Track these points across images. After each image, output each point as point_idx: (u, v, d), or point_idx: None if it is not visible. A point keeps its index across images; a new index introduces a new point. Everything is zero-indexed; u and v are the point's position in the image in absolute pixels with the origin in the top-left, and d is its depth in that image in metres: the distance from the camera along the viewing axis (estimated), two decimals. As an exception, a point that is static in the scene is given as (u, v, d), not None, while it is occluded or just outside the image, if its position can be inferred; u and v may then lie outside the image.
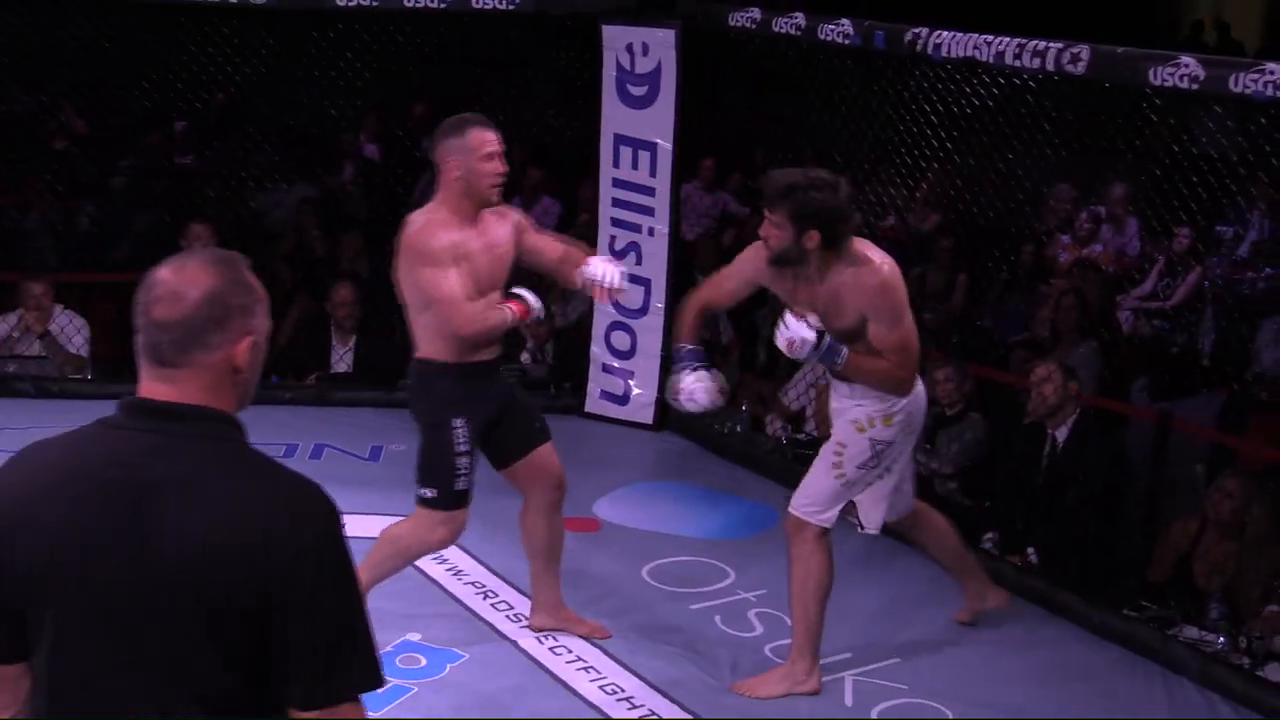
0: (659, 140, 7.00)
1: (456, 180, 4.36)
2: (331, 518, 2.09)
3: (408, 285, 4.39)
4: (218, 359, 2.10)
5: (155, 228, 9.08)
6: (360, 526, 5.68)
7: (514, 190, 10.09)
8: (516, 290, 4.51)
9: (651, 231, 7.12)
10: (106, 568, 2.04)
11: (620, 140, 7.11)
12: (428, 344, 4.44)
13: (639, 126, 7.04)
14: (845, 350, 4.27)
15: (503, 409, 4.60)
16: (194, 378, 2.10)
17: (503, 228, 4.52)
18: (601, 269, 4.53)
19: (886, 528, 4.73)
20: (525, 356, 7.69)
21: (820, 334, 4.25)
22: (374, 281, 8.56)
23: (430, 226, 4.35)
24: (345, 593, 2.08)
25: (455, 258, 4.33)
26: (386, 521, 5.68)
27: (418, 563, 5.39)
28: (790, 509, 4.47)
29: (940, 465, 6.50)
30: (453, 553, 5.49)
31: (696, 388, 4.38)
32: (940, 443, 6.58)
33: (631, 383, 7.28)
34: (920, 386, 4.47)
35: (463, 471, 4.44)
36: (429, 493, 4.48)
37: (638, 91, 7.01)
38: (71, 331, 7.57)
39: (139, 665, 2.05)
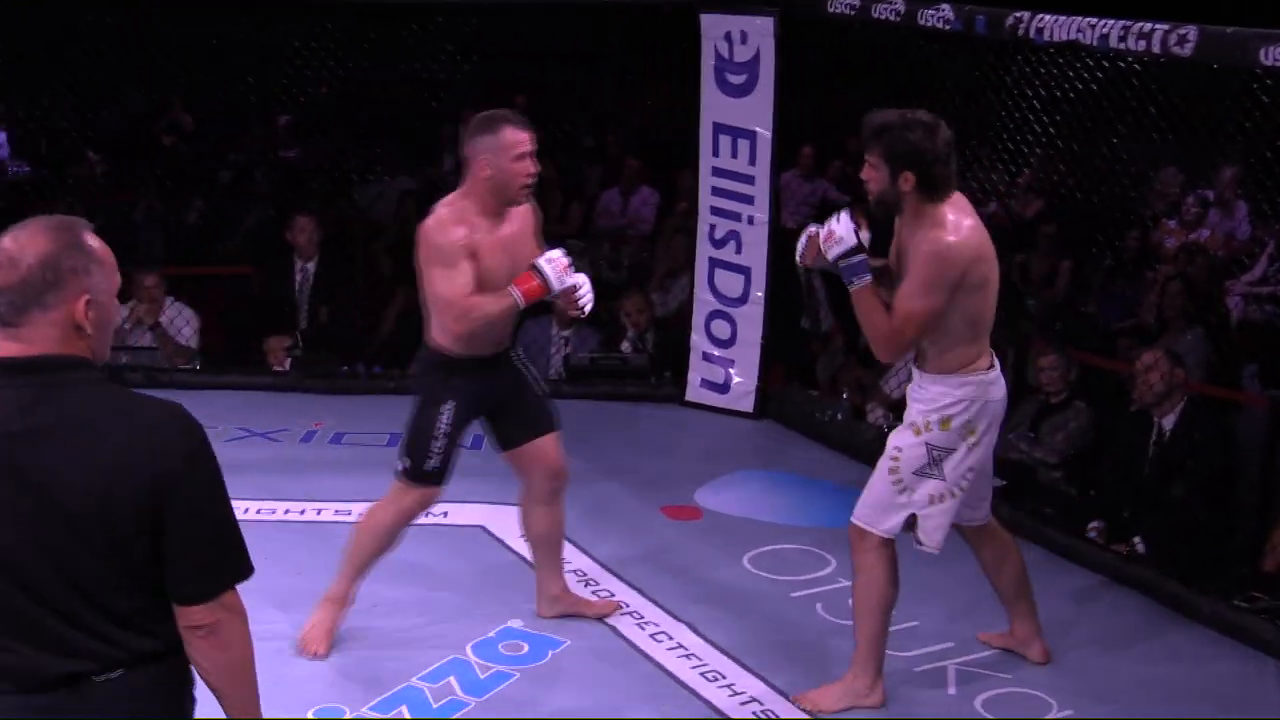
0: (758, 128, 6.98)
1: (486, 179, 4.32)
2: (199, 431, 2.37)
3: (422, 275, 4.41)
4: (56, 317, 2.29)
5: (261, 221, 9.24)
6: (462, 515, 5.77)
7: (614, 179, 10.14)
8: (537, 262, 4.35)
9: (751, 220, 7.10)
10: (10, 523, 2.24)
11: (719, 129, 7.09)
12: (435, 333, 4.48)
13: (738, 115, 7.02)
14: (868, 278, 4.05)
15: (506, 397, 4.61)
16: (38, 334, 2.29)
17: (522, 222, 4.49)
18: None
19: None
20: (625, 345, 7.72)
21: (860, 246, 4.06)
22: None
23: (444, 222, 4.33)
24: (222, 495, 2.37)
25: (466, 254, 4.29)
26: (488, 510, 5.77)
27: (522, 551, 5.44)
28: (852, 517, 4.29)
29: (1044, 454, 6.43)
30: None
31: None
32: (1044, 431, 6.51)
33: (732, 371, 7.27)
34: (993, 395, 4.17)
35: (435, 453, 4.49)
36: (401, 464, 4.56)
37: (736, 80, 6.99)
38: (181, 323, 7.70)
39: (55, 605, 2.27)
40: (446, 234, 4.30)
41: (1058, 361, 6.57)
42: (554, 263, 4.34)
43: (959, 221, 4.01)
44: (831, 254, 4.10)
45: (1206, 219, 8.57)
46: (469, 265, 4.29)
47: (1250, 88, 6.04)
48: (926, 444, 4.14)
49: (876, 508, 4.22)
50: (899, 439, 4.22)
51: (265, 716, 2.47)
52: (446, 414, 4.47)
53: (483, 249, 4.32)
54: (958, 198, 4.10)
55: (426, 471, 4.51)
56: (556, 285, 4.33)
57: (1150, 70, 6.13)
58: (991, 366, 4.18)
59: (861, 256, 4.07)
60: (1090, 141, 7.16)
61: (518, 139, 4.30)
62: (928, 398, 4.16)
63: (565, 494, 4.80)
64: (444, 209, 4.37)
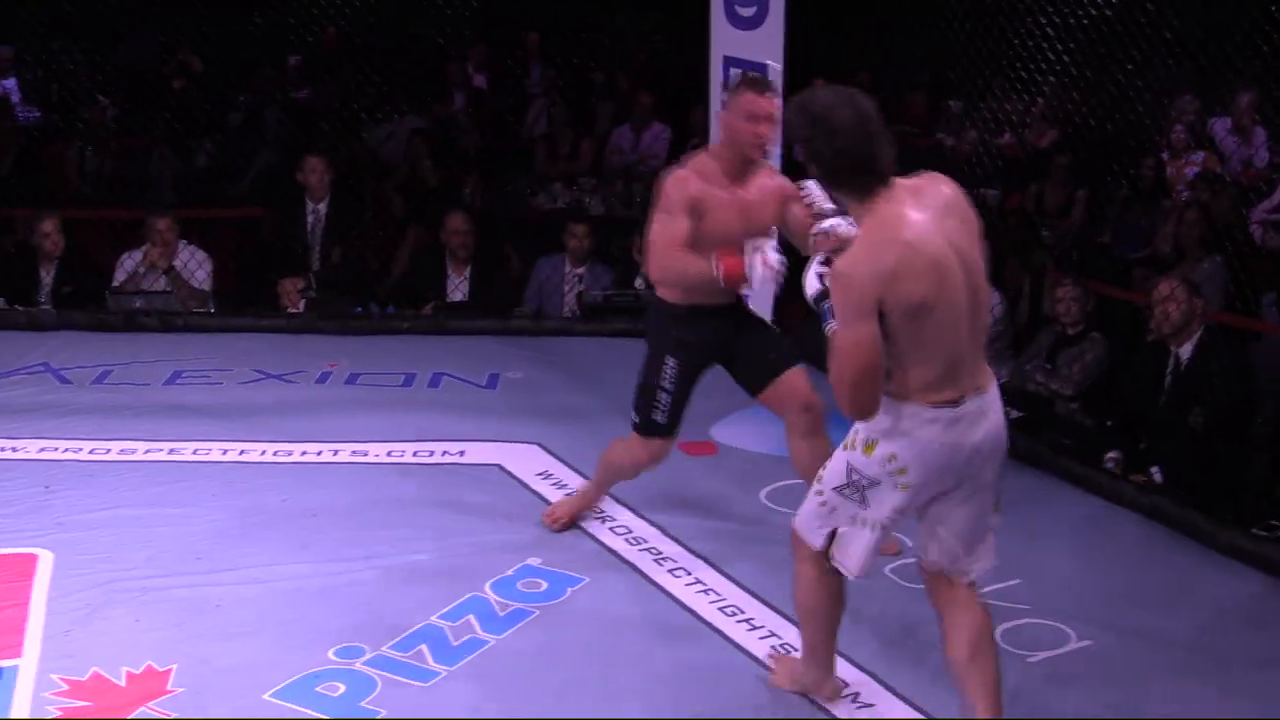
0: (769, 61, 6.88)
1: (725, 137, 4.54)
2: None
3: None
4: None
5: (272, 162, 9.20)
6: (478, 453, 5.77)
7: (625, 116, 10.06)
8: (749, 252, 4.36)
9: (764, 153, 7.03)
10: None
11: (730, 62, 7.01)
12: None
13: (749, 48, 6.93)
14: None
15: (739, 343, 4.71)
16: None
17: (768, 188, 4.57)
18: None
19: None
20: (639, 283, 7.68)
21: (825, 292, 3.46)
22: (487, 210, 8.61)
23: (679, 177, 4.51)
24: None
25: (688, 209, 4.45)
26: (504, 448, 5.77)
27: (538, 489, 5.44)
28: (794, 519, 3.83)
29: (1061, 386, 6.40)
30: (573, 479, 5.52)
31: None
32: (1061, 363, 6.48)
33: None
34: (943, 438, 3.42)
35: (660, 406, 4.66)
36: (634, 416, 4.75)
37: (746, 12, 6.91)
38: (194, 266, 7.69)
39: None
40: (678, 185, 4.48)
41: (1075, 292, 6.52)
42: (765, 259, 4.32)
43: (877, 238, 3.31)
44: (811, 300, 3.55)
45: (1195, 145, 8.50)
46: (686, 220, 4.44)
47: (1269, 10, 5.95)
48: (848, 463, 3.56)
49: (805, 517, 3.75)
50: (838, 449, 3.66)
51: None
52: (670, 368, 4.63)
53: (711, 205, 4.47)
54: (906, 194, 3.36)
55: (653, 424, 4.69)
56: (755, 284, 4.38)
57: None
58: (956, 402, 3.42)
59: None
60: (1104, 69, 7.07)
61: (752, 101, 4.42)
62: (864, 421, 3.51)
63: (825, 424, 4.77)
64: (688, 162, 4.57)
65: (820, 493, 3.67)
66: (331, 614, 4.44)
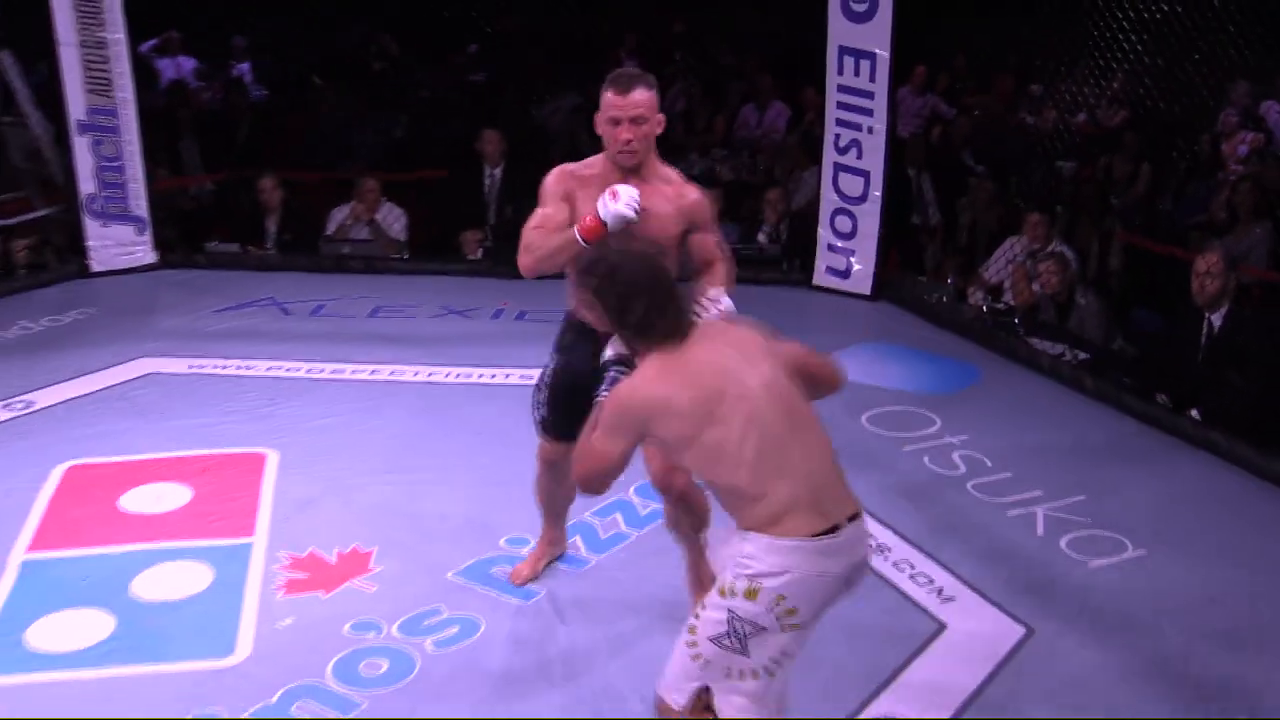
0: (878, 50, 6.78)
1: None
2: None
3: None
4: None
5: (456, 134, 9.27)
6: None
7: (750, 95, 9.96)
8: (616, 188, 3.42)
9: (870, 130, 6.94)
10: None
11: (844, 51, 6.91)
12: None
13: (861, 38, 6.83)
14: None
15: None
16: None
17: (662, 204, 3.49)
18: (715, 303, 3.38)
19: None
20: (762, 236, 7.63)
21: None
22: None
23: (554, 171, 3.59)
24: None
25: (560, 198, 3.53)
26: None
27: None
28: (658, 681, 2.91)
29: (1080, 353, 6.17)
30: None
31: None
32: (1073, 327, 6.25)
33: (852, 259, 7.17)
34: (829, 569, 2.74)
35: (536, 404, 3.83)
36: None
37: (859, 8, 6.80)
38: (392, 220, 7.80)
39: None
40: (551, 179, 3.57)
41: (1055, 265, 6.28)
42: (615, 196, 3.39)
43: (660, 370, 2.77)
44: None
45: (1246, 123, 8.19)
46: (562, 205, 3.52)
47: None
48: (730, 611, 2.75)
49: (672, 674, 2.87)
50: (707, 598, 2.83)
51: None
52: (548, 369, 3.79)
53: (580, 202, 3.49)
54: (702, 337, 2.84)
55: (536, 421, 3.87)
56: (605, 214, 3.37)
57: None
58: (827, 533, 2.75)
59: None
60: (1173, 57, 6.83)
61: (611, 102, 3.42)
62: (739, 555, 2.76)
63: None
64: (573, 162, 3.64)
65: (693, 644, 2.80)
66: (503, 510, 4.52)
